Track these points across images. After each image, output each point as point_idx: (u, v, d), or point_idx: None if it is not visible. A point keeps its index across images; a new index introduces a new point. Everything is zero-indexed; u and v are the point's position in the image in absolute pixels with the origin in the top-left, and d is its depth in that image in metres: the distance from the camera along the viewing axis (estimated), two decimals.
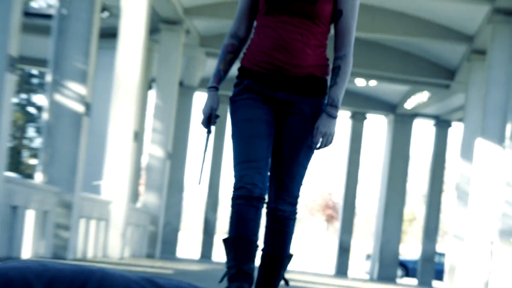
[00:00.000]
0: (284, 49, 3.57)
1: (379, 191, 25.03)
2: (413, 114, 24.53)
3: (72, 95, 12.20)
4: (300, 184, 3.73)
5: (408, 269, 28.96)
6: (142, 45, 14.98)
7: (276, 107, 3.68)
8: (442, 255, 23.98)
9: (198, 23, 18.49)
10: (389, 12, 16.68)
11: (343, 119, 27.05)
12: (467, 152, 16.45)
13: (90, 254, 13.27)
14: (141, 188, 18.32)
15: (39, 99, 26.58)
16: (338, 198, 25.39)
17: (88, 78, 12.34)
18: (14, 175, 12.79)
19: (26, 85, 26.61)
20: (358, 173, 25.75)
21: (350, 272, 25.50)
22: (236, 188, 3.53)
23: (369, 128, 22.58)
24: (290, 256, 3.80)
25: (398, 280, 24.88)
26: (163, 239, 18.51)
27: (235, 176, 3.57)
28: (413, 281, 25.89)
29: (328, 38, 3.71)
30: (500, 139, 13.43)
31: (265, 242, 3.74)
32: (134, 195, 16.57)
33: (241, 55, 3.81)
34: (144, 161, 18.34)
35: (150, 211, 17.41)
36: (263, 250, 3.74)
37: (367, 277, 25.55)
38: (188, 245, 23.91)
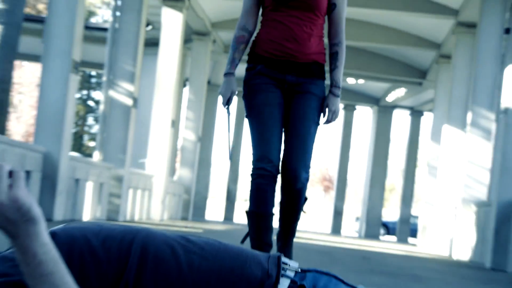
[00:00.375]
0: (293, 39, 3.46)
1: (366, 167, 24.73)
2: (393, 106, 24.09)
3: (122, 91, 11.97)
4: (310, 154, 3.56)
5: (389, 228, 28.47)
6: (178, 52, 14.56)
7: (285, 89, 3.54)
8: (416, 217, 23.53)
9: (222, 34, 18.03)
10: (374, 25, 16.47)
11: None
12: (436, 136, 16.05)
13: (136, 217, 12.74)
14: (177, 165, 18.15)
15: (97, 94, 26.27)
16: (333, 173, 25.14)
17: (135, 78, 12.04)
18: (77, 155, 12.81)
19: (86, 83, 26.33)
20: (349, 152, 25.52)
21: (342, 231, 25.11)
22: (256, 167, 3.45)
23: (358, 117, 22.14)
24: (306, 199, 3.62)
25: (381, 238, 24.43)
26: (194, 205, 17.90)
27: (254, 155, 3.48)
28: (393, 238, 25.49)
29: (323, 29, 3.60)
30: (462, 126, 13.18)
31: (281, 209, 3.60)
32: (172, 170, 16.34)
33: (250, 44, 3.67)
34: (180, 143, 18.09)
35: (184, 183, 17.02)
36: (280, 203, 3.59)
37: (356, 235, 25.14)
38: (214, 210, 23.55)
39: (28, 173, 8.77)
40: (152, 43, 15.74)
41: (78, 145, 25.06)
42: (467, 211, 11.57)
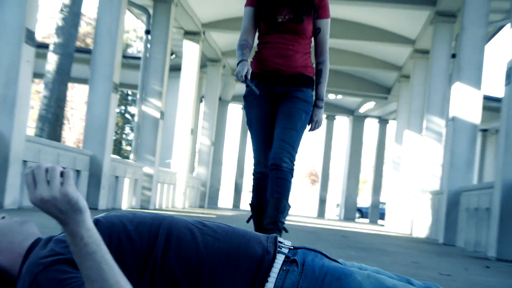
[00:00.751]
0: (280, 56, 3.35)
1: (344, 164, 24.56)
2: (364, 116, 23.93)
3: (152, 106, 11.90)
4: (296, 146, 3.39)
5: (362, 213, 28.38)
6: (196, 75, 14.52)
7: (276, 99, 3.41)
8: (383, 203, 23.50)
9: (230, 61, 17.93)
10: (349, 52, 16.52)
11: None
12: (398, 139, 15.99)
13: (163, 206, 12.68)
14: (195, 164, 18.25)
15: (132, 109, 26.42)
16: (318, 169, 25.22)
17: (162, 96, 11.98)
18: (117, 157, 12.86)
19: (124, 100, 26.43)
20: (330, 153, 25.36)
21: (326, 215, 25.08)
22: (256, 171, 3.46)
23: (337, 125, 21.99)
24: (289, 206, 3.38)
25: (356, 220, 24.46)
26: (209, 195, 17.82)
27: (254, 158, 3.43)
28: (366, 220, 25.51)
29: (311, 47, 3.47)
30: (419, 131, 13.11)
31: (269, 191, 3.33)
32: (191, 168, 16.37)
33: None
34: (197, 147, 18.14)
35: (200, 178, 16.94)
36: (267, 198, 3.34)
37: (337, 218, 25.13)
38: (225, 199, 23.64)
39: (78, 172, 8.78)
40: (176, 68, 15.77)
41: (117, 149, 25.05)
42: (424, 198, 11.56)
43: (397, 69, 16.97)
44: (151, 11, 12.68)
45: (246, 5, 3.45)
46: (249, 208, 3.65)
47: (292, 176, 3.37)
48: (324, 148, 25.48)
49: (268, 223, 3.29)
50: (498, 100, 14.52)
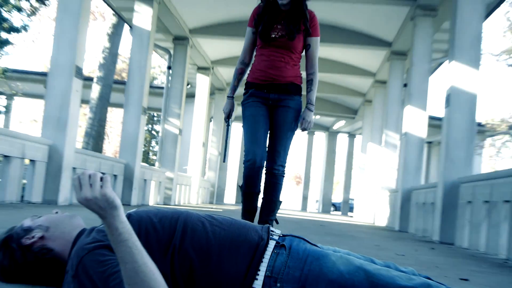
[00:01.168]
0: (274, 67, 3.09)
1: (322, 169, 24.40)
2: (337, 132, 23.80)
3: (172, 125, 11.86)
4: (287, 153, 3.17)
5: (336, 207, 28.11)
6: (206, 101, 14.49)
7: (270, 105, 3.13)
8: (352, 199, 23.55)
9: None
10: (325, 82, 16.37)
11: (302, 135, 25.56)
12: (363, 149, 15.83)
13: (181, 202, 12.59)
14: (206, 169, 18.27)
15: (157, 127, 26.45)
16: (301, 173, 25.04)
17: (180, 117, 11.94)
18: (145, 164, 12.86)
19: (151, 120, 26.34)
20: (311, 160, 25.22)
21: (308, 209, 25.10)
22: (247, 159, 3.07)
23: (316, 139, 22.18)
24: (280, 202, 3.24)
25: (331, 212, 24.46)
26: (217, 194, 17.69)
27: (245, 151, 3.11)
28: (339, 213, 25.46)
29: (300, 61, 3.20)
30: (379, 143, 13.14)
31: (264, 192, 3.18)
32: (203, 173, 16.39)
33: (246, 74, 3.30)
34: (207, 156, 18.15)
35: (210, 180, 16.85)
36: (263, 197, 3.20)
37: (316, 211, 25.15)
38: (229, 197, 23.57)
39: (115, 176, 8.76)
40: (191, 95, 15.82)
41: (145, 158, 24.96)
42: (383, 195, 11.53)
43: (362, 95, 16.97)
44: (172, 51, 12.75)
45: (248, 25, 3.23)
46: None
47: (283, 177, 3.19)
48: (306, 156, 25.46)
49: (260, 221, 3.16)
50: (439, 119, 14.53)
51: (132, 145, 9.28)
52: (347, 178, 23.33)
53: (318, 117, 21.41)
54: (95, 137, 13.27)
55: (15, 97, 19.11)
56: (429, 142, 20.89)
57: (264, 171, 3.16)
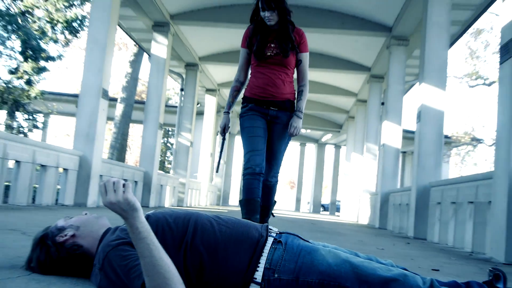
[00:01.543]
0: (273, 84, 2.82)
1: (312, 175, 24.23)
2: (325, 143, 23.65)
3: (185, 138, 11.79)
4: (280, 165, 2.94)
5: (325, 207, 27.85)
6: (214, 117, 14.46)
7: (268, 120, 2.86)
8: (339, 201, 23.49)
9: (237, 108, 17.94)
10: (314, 101, 16.35)
11: (295, 146, 25.21)
12: (348, 158, 15.93)
13: (192, 204, 12.51)
14: (214, 176, 18.23)
15: (172, 140, 26.37)
16: (295, 178, 24.75)
17: (191, 131, 11.89)
18: (161, 172, 12.84)
19: (166, 134, 26.30)
20: (303, 168, 25.13)
21: (300, 209, 24.96)
22: (246, 168, 2.78)
23: (307, 150, 21.84)
24: (275, 202, 3.03)
25: (321, 212, 24.34)
26: (223, 197, 17.78)
27: (245, 160, 2.81)
28: (327, 213, 25.34)
29: (293, 76, 2.96)
30: (361, 153, 13.12)
31: (262, 199, 2.89)
32: (211, 179, 16.37)
33: (243, 90, 3.03)
34: (214, 165, 18.13)
35: (217, 185, 16.76)
36: (260, 204, 2.90)
37: (308, 211, 25.00)
38: (233, 199, 23.43)
39: (136, 182, 8.73)
40: (200, 113, 15.81)
41: (162, 167, 24.84)
42: (365, 197, 11.48)
43: (346, 112, 16.94)
44: (184, 76, 12.74)
45: (241, 47, 2.97)
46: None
47: (277, 184, 2.99)
48: (298, 164, 25.42)
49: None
50: (412, 132, 14.56)
51: (150, 156, 9.24)
52: (334, 183, 23.28)
53: (308, 131, 21.40)
54: (119, 149, 13.25)
55: (51, 115, 19.14)
56: (404, 152, 20.86)
57: None
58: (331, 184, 23.77)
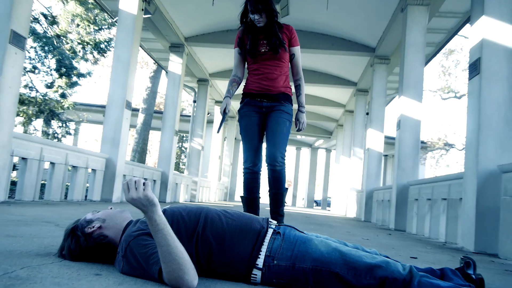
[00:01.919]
0: (267, 79, 2.60)
1: (307, 176, 24.03)
2: (317, 148, 23.50)
3: (197, 143, 11.75)
4: (285, 145, 2.58)
5: (317, 203, 27.67)
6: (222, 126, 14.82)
7: (263, 112, 2.61)
8: (330, 197, 23.42)
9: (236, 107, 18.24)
10: (309, 112, 16.18)
11: (292, 151, 24.71)
12: (337, 161, 15.93)
13: (203, 200, 12.40)
14: (222, 175, 18.21)
15: (186, 145, 26.30)
16: (291, 178, 24.52)
17: (203, 137, 11.84)
18: (177, 172, 12.85)
19: (180, 139, 26.36)
20: (299, 169, 24.95)
21: (296, 204, 24.84)
22: (245, 167, 2.60)
23: (302, 154, 21.62)
24: (286, 189, 2.64)
25: (314, 207, 24.13)
26: (229, 193, 17.75)
27: (244, 157, 2.60)
28: (320, 207, 25.26)
29: (288, 70, 2.69)
30: (349, 156, 13.17)
31: (270, 187, 2.58)
32: (219, 178, 16.35)
33: (242, 86, 2.85)
34: (222, 166, 18.10)
35: (224, 183, 16.71)
36: (270, 192, 2.60)
37: (303, 206, 24.86)
38: (239, 196, 23.41)
39: (154, 181, 8.72)
40: (210, 121, 15.84)
41: (177, 167, 24.76)
42: (352, 194, 11.45)
43: (336, 121, 16.90)
44: (196, 89, 12.75)
45: (234, 47, 2.76)
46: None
47: (285, 169, 2.59)
48: (294, 166, 25.35)
49: (272, 215, 2.61)
50: (393, 138, 14.54)
51: (167, 158, 9.23)
52: (325, 181, 23.19)
53: (303, 137, 21.34)
54: (140, 152, 13.27)
55: (81, 123, 19.25)
56: (386, 155, 20.82)
57: (267, 168, 2.62)
58: (322, 183, 23.68)
